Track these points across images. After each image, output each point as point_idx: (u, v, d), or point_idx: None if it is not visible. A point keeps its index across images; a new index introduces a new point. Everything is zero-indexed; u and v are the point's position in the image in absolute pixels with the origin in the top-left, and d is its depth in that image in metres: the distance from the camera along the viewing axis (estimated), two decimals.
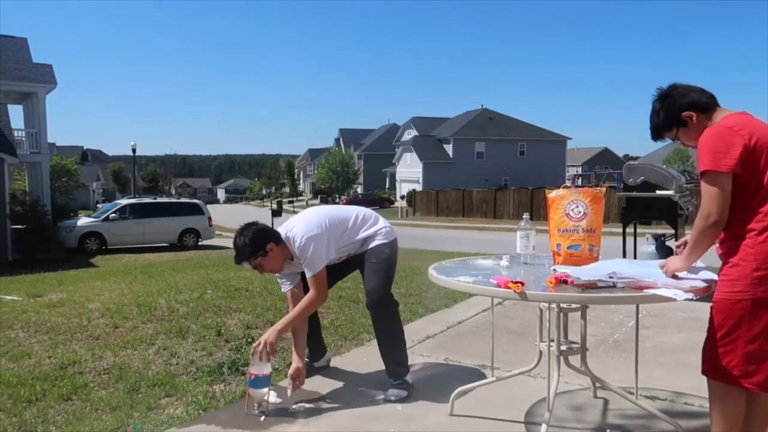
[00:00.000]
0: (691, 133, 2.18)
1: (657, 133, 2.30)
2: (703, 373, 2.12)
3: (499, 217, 30.94)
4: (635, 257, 6.29)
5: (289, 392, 3.08)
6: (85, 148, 77.83)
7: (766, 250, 1.97)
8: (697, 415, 2.87)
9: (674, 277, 2.25)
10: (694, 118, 2.17)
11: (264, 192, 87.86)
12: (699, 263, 2.32)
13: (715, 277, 2.18)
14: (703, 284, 2.19)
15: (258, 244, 3.02)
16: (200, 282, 6.99)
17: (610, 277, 2.27)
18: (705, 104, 2.17)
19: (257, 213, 44.83)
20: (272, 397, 3.13)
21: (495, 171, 47.93)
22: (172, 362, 3.81)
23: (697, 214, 2.08)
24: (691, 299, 2.10)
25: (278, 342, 3.18)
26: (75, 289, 7.22)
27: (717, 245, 2.19)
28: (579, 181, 39.29)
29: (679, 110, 2.18)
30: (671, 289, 2.10)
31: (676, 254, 2.36)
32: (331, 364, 3.75)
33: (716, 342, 2.05)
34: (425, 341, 4.26)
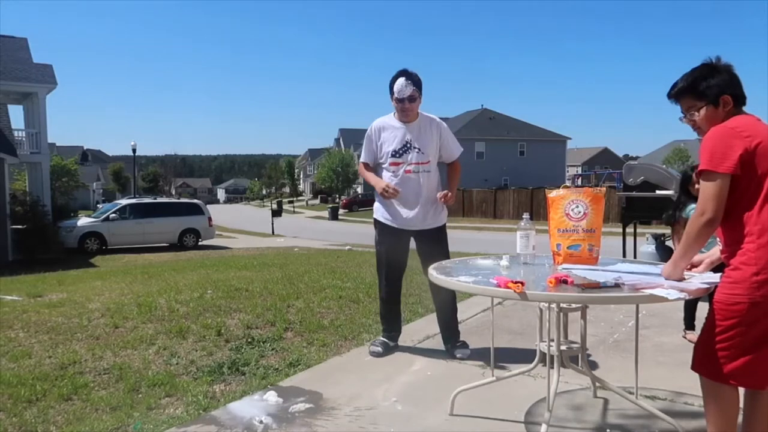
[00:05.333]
0: (712, 118, 2.11)
1: (683, 92, 2.17)
2: (693, 368, 2.15)
3: (499, 217, 30.95)
4: (635, 257, 6.29)
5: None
6: (85, 148, 77.84)
7: (767, 255, 1.97)
8: (697, 415, 2.87)
9: (680, 279, 2.26)
10: (728, 107, 2.10)
11: (264, 192, 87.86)
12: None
13: (718, 279, 2.18)
14: (705, 285, 2.19)
15: (422, 86, 3.70)
16: (200, 282, 6.99)
17: (616, 279, 2.28)
18: (741, 101, 2.12)
19: (257, 213, 44.88)
20: (272, 397, 3.14)
21: (495, 171, 47.91)
22: (172, 362, 3.81)
23: (691, 218, 2.10)
24: (684, 299, 2.13)
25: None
26: (75, 289, 7.22)
27: (720, 247, 2.20)
28: (579, 181, 39.32)
29: (723, 90, 2.09)
30: (665, 289, 2.11)
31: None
32: (331, 364, 3.75)
33: (710, 340, 2.07)
34: (425, 341, 4.26)
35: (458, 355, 3.77)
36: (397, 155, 3.71)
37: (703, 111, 2.12)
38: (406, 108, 3.64)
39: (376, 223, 3.88)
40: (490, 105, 75.18)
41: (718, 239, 2.22)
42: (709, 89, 2.11)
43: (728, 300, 2.02)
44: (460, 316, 4.94)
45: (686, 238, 2.13)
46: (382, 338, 3.97)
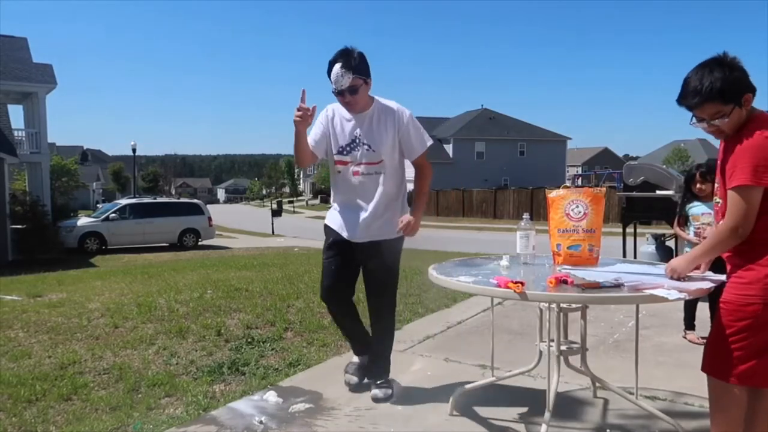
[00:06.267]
0: (737, 120, 1.98)
1: (710, 98, 1.95)
2: (703, 369, 2.11)
3: (499, 217, 30.95)
4: (635, 257, 6.29)
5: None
6: (85, 148, 77.82)
7: None
8: (697, 415, 2.87)
9: (681, 279, 2.24)
10: (748, 105, 1.98)
11: (264, 192, 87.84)
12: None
13: (722, 278, 2.17)
14: (705, 286, 2.19)
15: (367, 69, 2.95)
16: (200, 282, 6.99)
17: (616, 279, 2.28)
18: (754, 92, 2.01)
19: (257, 213, 44.88)
20: (272, 397, 3.14)
21: (495, 171, 47.90)
22: (172, 362, 3.81)
23: (723, 222, 1.99)
24: (684, 299, 2.12)
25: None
26: (75, 289, 7.22)
27: None
28: (579, 181, 39.31)
29: (744, 89, 1.96)
30: (665, 289, 2.10)
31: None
32: (331, 364, 3.75)
33: (721, 341, 2.03)
34: (425, 341, 4.26)
35: (377, 395, 3.10)
36: (344, 152, 3.05)
37: (729, 115, 1.96)
38: (348, 101, 2.95)
39: (325, 228, 3.24)
40: (490, 105, 75.35)
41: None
42: (736, 91, 1.95)
43: (741, 301, 1.98)
44: (459, 317, 4.96)
45: (711, 245, 2.07)
46: (354, 360, 3.35)
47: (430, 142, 3.13)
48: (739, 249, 2.02)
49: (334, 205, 3.21)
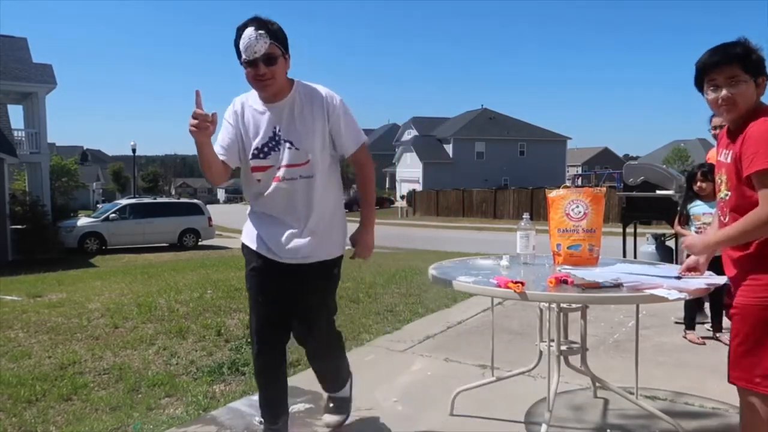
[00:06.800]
0: (750, 97, 1.92)
1: (735, 59, 1.90)
2: (730, 381, 1.99)
3: (499, 217, 30.94)
4: (635, 257, 6.29)
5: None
6: (85, 148, 77.83)
7: None
8: (697, 415, 2.87)
9: (691, 268, 2.22)
10: (761, 91, 1.94)
11: None
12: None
13: (722, 279, 2.16)
14: (705, 285, 2.19)
15: (286, 41, 2.33)
16: (200, 282, 6.99)
17: (616, 279, 2.28)
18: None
19: None
20: None
21: (495, 171, 47.93)
22: (172, 362, 3.81)
23: (756, 212, 1.86)
24: (684, 299, 2.11)
25: None
26: (75, 289, 7.22)
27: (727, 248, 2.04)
28: (579, 181, 39.32)
29: (764, 70, 1.93)
30: (665, 289, 2.10)
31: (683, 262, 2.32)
32: None
33: (745, 348, 1.93)
34: (425, 341, 4.26)
35: (325, 419, 2.80)
36: (261, 155, 2.38)
37: (744, 85, 1.90)
38: (263, 75, 2.26)
39: (243, 248, 2.56)
40: (490, 105, 75.24)
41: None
42: (756, 65, 1.91)
43: (760, 304, 1.88)
44: (459, 317, 4.96)
45: (742, 230, 1.91)
46: None
47: (365, 138, 2.54)
48: (758, 249, 1.92)
49: (252, 218, 2.53)
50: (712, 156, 4.63)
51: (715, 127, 4.39)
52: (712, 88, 1.96)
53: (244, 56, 2.24)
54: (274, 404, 2.54)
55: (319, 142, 2.40)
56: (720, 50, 1.95)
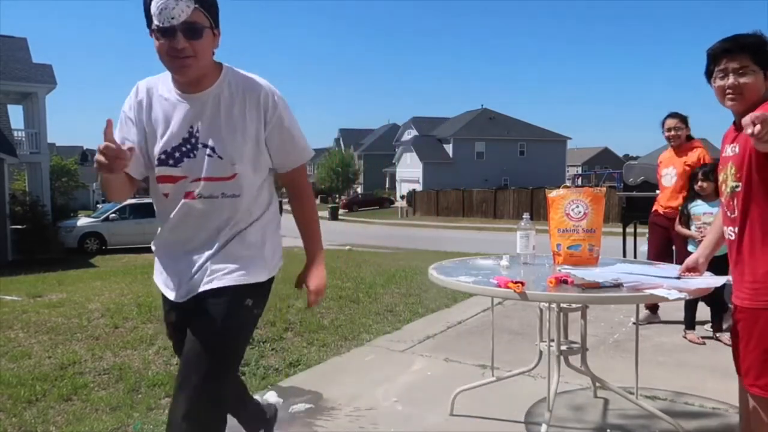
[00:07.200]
0: (757, 89, 1.87)
1: (747, 48, 1.87)
2: (749, 390, 1.89)
3: (499, 217, 30.95)
4: (635, 257, 6.29)
5: None
6: (85, 148, 77.66)
7: None
8: (697, 415, 2.87)
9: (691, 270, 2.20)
10: None
11: None
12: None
13: (723, 280, 2.16)
14: (705, 285, 2.19)
15: (216, 10, 1.74)
16: None
17: (616, 279, 2.28)
18: None
19: None
20: (272, 397, 3.13)
21: (495, 171, 47.94)
22: (172, 362, 3.81)
23: None
24: (684, 299, 2.10)
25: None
26: (75, 289, 7.22)
27: (732, 238, 1.95)
28: (579, 181, 39.33)
29: None
30: (665, 289, 2.10)
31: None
32: (331, 365, 3.75)
33: (761, 354, 1.82)
34: (425, 341, 4.26)
35: None
36: (170, 161, 1.79)
37: (755, 76, 1.86)
38: (181, 51, 1.67)
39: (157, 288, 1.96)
40: (490, 105, 75.15)
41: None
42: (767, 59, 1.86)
43: None
44: (459, 317, 4.96)
45: None
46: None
47: (310, 153, 1.96)
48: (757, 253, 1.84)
49: (157, 246, 1.94)
50: (663, 158, 4.71)
51: (669, 129, 4.48)
52: (720, 75, 1.91)
53: (155, 22, 1.63)
54: None
55: (250, 150, 1.79)
56: (732, 39, 1.91)
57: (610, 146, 69.97)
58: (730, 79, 1.88)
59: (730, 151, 1.97)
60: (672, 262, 4.36)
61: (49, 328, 4.72)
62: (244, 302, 1.80)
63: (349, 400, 3.12)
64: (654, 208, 4.76)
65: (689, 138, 4.52)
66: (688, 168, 4.40)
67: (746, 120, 1.56)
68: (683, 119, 4.49)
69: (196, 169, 1.78)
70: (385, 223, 33.09)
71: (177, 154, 1.78)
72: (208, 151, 1.77)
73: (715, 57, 1.93)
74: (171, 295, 1.85)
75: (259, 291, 1.85)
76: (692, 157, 4.43)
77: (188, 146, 1.78)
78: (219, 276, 1.78)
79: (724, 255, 2.06)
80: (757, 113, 1.56)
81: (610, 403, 3.06)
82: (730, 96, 1.89)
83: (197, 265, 1.82)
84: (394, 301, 5.62)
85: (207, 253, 1.82)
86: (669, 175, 4.58)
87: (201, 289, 1.79)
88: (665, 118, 4.53)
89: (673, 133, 4.46)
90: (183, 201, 1.80)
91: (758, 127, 1.53)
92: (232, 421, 2.82)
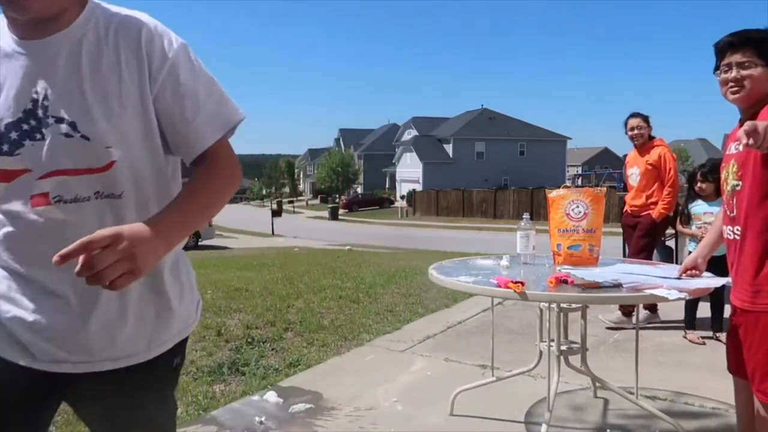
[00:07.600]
0: (762, 84, 1.86)
1: (752, 43, 1.87)
2: (760, 397, 1.84)
3: (499, 217, 30.96)
4: None
5: None
6: None
7: None
8: (697, 415, 2.87)
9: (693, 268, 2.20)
10: None
11: (264, 192, 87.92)
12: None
13: (722, 281, 2.15)
14: (705, 285, 2.19)
15: None
16: (200, 282, 6.96)
17: (616, 279, 2.28)
18: None
19: (257, 213, 44.92)
20: (272, 397, 3.14)
21: (495, 171, 47.96)
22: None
23: None
24: (684, 299, 2.10)
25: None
26: None
27: (732, 245, 1.93)
28: (579, 181, 39.32)
29: None
30: (665, 289, 2.10)
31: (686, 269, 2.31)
32: (331, 365, 3.75)
33: None
34: (425, 341, 4.26)
35: None
36: (5, 146, 1.08)
37: (759, 70, 1.85)
38: None
39: None
40: (490, 105, 75.27)
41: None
42: None
43: None
44: (459, 317, 4.96)
45: None
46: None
47: (238, 117, 1.21)
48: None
49: None
50: (629, 158, 4.79)
51: (632, 128, 4.57)
52: (725, 69, 1.91)
53: None
54: None
55: (134, 122, 1.12)
56: (739, 33, 1.91)
57: (610, 146, 69.96)
58: (733, 73, 1.87)
59: (733, 148, 1.95)
60: (650, 259, 4.38)
61: None
62: (169, 374, 1.30)
63: (349, 400, 3.12)
64: (624, 209, 4.85)
65: (650, 137, 4.59)
66: (650, 167, 4.49)
67: (740, 133, 1.57)
68: (645, 118, 4.60)
69: (46, 157, 1.08)
70: (385, 223, 33.10)
71: (13, 135, 1.09)
72: (64, 127, 1.08)
73: (721, 51, 1.93)
74: (21, 360, 1.16)
75: (181, 349, 1.32)
76: (653, 155, 4.52)
77: (32, 122, 1.09)
78: (127, 342, 1.18)
79: (723, 255, 2.06)
80: (749, 124, 1.56)
81: (610, 403, 3.06)
82: (732, 89, 1.88)
83: (61, 315, 1.13)
84: (394, 301, 5.62)
85: (78, 295, 1.12)
86: (634, 175, 4.68)
87: (88, 368, 1.18)
88: (627, 118, 4.68)
89: (636, 132, 4.58)
90: (26, 210, 1.10)
91: (752, 140, 1.54)
92: (232, 422, 2.82)
